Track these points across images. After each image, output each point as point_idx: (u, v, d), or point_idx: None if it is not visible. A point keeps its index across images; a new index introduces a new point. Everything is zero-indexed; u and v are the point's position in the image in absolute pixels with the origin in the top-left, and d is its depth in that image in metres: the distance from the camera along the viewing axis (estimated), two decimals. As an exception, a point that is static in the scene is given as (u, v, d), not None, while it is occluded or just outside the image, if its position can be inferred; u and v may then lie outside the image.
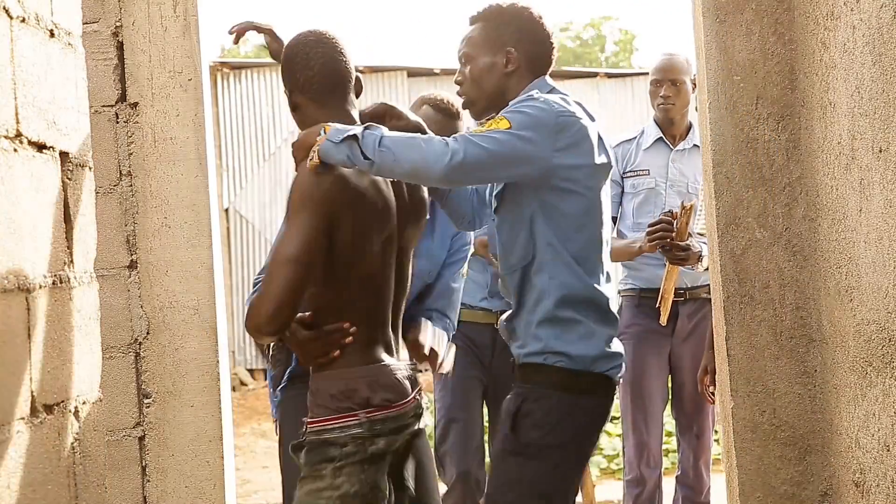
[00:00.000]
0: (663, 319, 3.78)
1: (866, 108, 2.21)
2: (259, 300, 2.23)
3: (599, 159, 2.45)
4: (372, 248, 2.33)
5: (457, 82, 2.58)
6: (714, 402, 3.58)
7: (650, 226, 3.68)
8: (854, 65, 2.28)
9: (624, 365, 2.48)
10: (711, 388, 3.58)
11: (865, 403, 2.36)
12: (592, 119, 2.50)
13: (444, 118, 3.07)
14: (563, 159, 2.36)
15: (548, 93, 2.47)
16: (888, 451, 2.23)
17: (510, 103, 2.44)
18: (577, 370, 2.38)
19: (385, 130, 2.28)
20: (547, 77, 2.54)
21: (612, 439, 6.95)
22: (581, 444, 2.42)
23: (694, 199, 3.80)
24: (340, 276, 2.31)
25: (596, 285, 2.43)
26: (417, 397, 2.41)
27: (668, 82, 3.95)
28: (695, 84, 3.96)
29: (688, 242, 3.62)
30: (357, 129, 2.26)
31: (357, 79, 2.45)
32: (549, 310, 2.40)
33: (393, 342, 2.42)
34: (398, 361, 2.41)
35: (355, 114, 2.42)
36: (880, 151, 2.14)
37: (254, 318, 2.23)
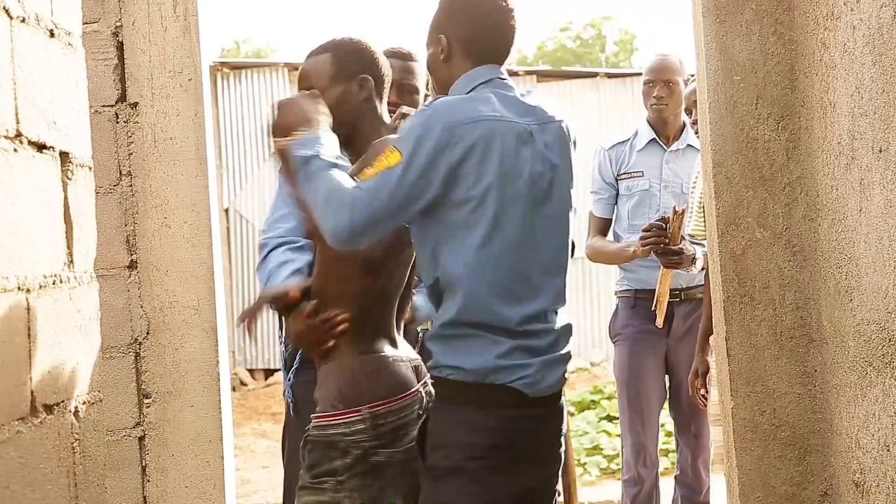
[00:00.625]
0: (659, 322, 3.79)
1: (866, 108, 2.21)
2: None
3: (517, 167, 2.24)
4: (396, 246, 2.37)
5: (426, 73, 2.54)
6: (706, 406, 3.58)
7: (644, 230, 3.69)
8: (854, 65, 2.28)
9: (537, 377, 2.24)
10: (703, 391, 3.58)
11: (865, 403, 2.36)
12: (539, 120, 2.31)
13: (400, 62, 3.08)
14: (460, 171, 2.19)
15: (482, 84, 2.30)
16: (888, 451, 2.23)
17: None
18: (471, 382, 2.21)
19: (327, 169, 2.23)
20: (499, 67, 2.35)
21: (612, 439, 6.95)
22: (498, 457, 2.21)
23: (687, 201, 3.81)
24: (356, 266, 2.35)
25: (503, 309, 2.22)
26: (421, 390, 2.41)
27: (661, 83, 3.96)
28: (687, 84, 3.98)
29: (681, 246, 3.63)
30: (309, 153, 2.25)
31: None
32: (436, 329, 2.27)
33: (395, 335, 2.44)
34: (401, 352, 2.43)
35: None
36: (880, 151, 2.14)
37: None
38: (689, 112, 3.93)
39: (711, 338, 3.49)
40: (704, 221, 3.44)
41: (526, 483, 2.26)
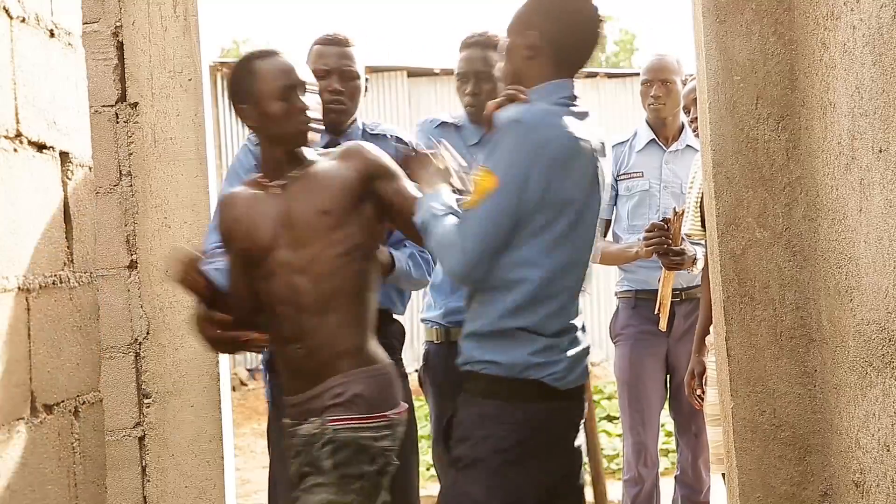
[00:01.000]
0: (663, 325, 3.80)
1: (866, 108, 2.21)
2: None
3: (592, 185, 2.32)
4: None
5: (500, 56, 2.49)
6: (701, 407, 3.59)
7: (646, 230, 3.69)
8: (854, 65, 2.28)
9: (565, 371, 2.31)
10: (699, 392, 3.58)
11: (865, 403, 2.36)
12: (602, 141, 2.37)
13: (337, 48, 3.06)
14: (550, 182, 2.23)
15: (564, 98, 2.32)
16: (888, 451, 2.23)
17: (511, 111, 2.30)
18: (504, 377, 2.26)
19: (441, 218, 2.29)
20: (572, 81, 2.36)
21: (612, 439, 6.95)
22: (523, 452, 2.25)
23: (686, 201, 3.81)
24: (369, 272, 2.48)
25: (550, 319, 2.29)
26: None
27: (658, 82, 3.96)
28: (685, 84, 3.99)
29: (682, 247, 3.64)
30: (437, 205, 2.31)
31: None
32: (476, 329, 2.31)
33: None
34: None
35: None
36: (880, 151, 2.14)
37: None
38: (687, 111, 3.94)
39: (708, 338, 3.49)
40: (701, 221, 3.45)
41: (548, 480, 2.31)
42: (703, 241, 3.56)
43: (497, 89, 3.20)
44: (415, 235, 2.45)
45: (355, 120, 3.10)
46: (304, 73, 2.48)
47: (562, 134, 2.26)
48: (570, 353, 2.33)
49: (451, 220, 2.29)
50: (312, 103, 2.47)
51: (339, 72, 3.02)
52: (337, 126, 3.03)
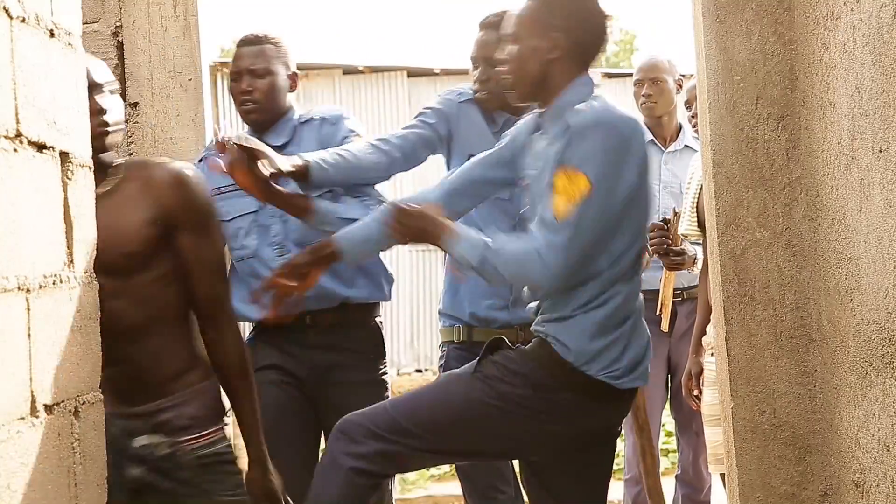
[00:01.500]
0: (665, 326, 3.80)
1: (866, 108, 2.21)
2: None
3: (649, 168, 2.43)
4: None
5: (500, 61, 2.48)
6: (698, 408, 3.59)
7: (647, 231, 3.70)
8: (854, 65, 2.28)
9: (634, 371, 2.39)
10: (696, 392, 3.59)
11: (865, 403, 2.36)
12: None
13: (251, 48, 3.03)
14: (642, 184, 2.34)
15: (592, 93, 2.38)
16: (888, 451, 2.23)
17: (558, 101, 2.36)
18: (567, 362, 2.32)
19: (488, 244, 2.30)
20: (592, 73, 2.44)
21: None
22: (529, 419, 2.33)
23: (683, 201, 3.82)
24: (180, 290, 2.36)
25: (612, 308, 2.38)
26: None
27: (649, 81, 3.99)
28: (679, 85, 4.02)
29: (682, 247, 3.64)
30: (473, 240, 2.31)
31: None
32: (558, 314, 2.35)
33: None
34: None
35: None
36: (880, 151, 2.14)
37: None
38: (689, 106, 3.95)
39: (705, 338, 3.50)
40: (697, 221, 3.46)
41: (534, 455, 2.41)
42: (699, 241, 3.57)
43: None
44: (203, 303, 2.35)
45: (287, 114, 3.06)
46: (102, 75, 2.30)
47: (637, 127, 2.36)
48: (634, 348, 2.38)
49: (509, 239, 2.34)
50: (112, 106, 2.30)
51: (247, 72, 2.99)
52: (260, 125, 3.02)
